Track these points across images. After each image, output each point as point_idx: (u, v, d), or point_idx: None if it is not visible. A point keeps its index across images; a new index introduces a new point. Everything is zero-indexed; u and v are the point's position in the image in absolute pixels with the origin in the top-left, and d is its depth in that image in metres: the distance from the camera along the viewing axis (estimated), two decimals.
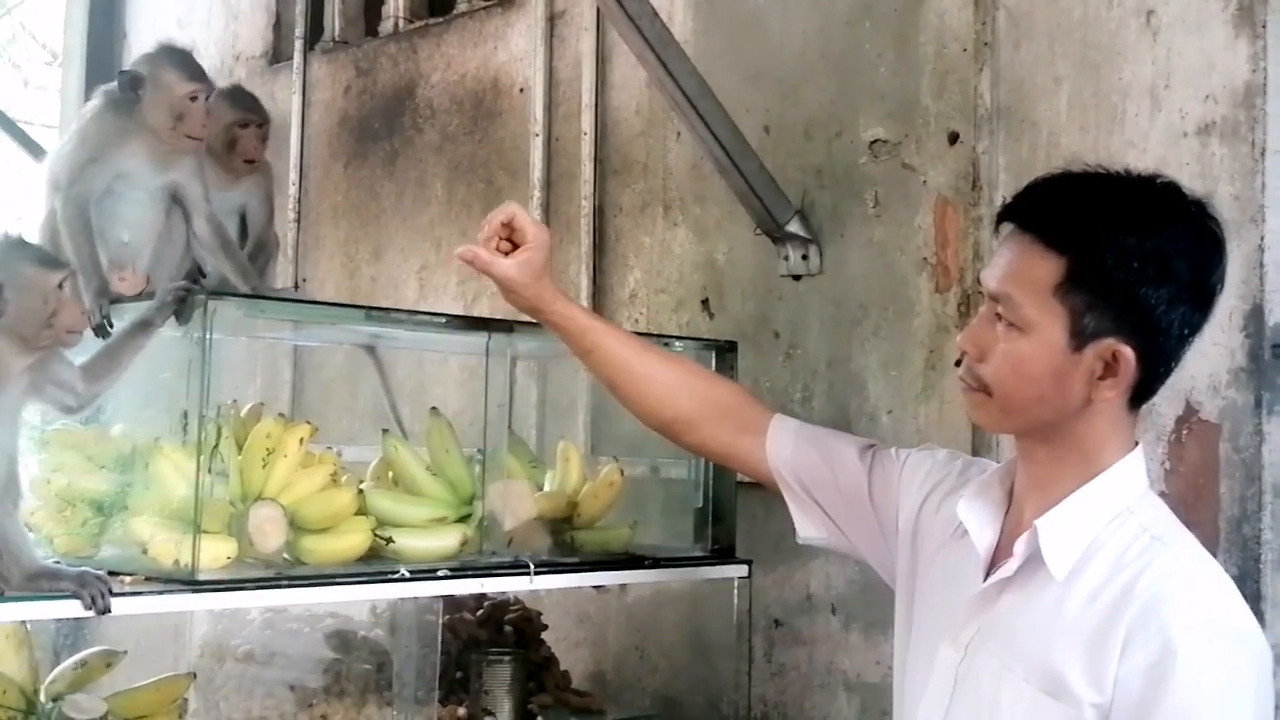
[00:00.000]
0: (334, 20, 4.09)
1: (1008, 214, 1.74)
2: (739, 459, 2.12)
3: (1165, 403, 2.29)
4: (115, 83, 2.17)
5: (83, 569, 1.80)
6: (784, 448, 2.06)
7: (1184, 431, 2.29)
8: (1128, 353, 1.62)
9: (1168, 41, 2.36)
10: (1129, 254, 1.61)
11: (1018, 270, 1.67)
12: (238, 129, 2.45)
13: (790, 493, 2.07)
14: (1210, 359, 2.26)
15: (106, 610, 1.77)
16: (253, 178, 2.51)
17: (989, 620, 1.70)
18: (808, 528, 2.08)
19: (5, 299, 1.80)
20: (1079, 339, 1.63)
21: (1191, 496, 2.27)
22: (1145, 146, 2.38)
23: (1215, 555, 2.16)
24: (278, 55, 4.30)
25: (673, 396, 2.10)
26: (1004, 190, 2.51)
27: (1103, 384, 1.64)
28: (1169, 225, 1.64)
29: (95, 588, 1.77)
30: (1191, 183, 2.26)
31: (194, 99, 2.15)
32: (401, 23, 3.92)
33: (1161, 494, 2.26)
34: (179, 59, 2.16)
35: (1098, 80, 2.45)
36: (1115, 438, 1.69)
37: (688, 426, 2.12)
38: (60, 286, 1.85)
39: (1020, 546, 1.68)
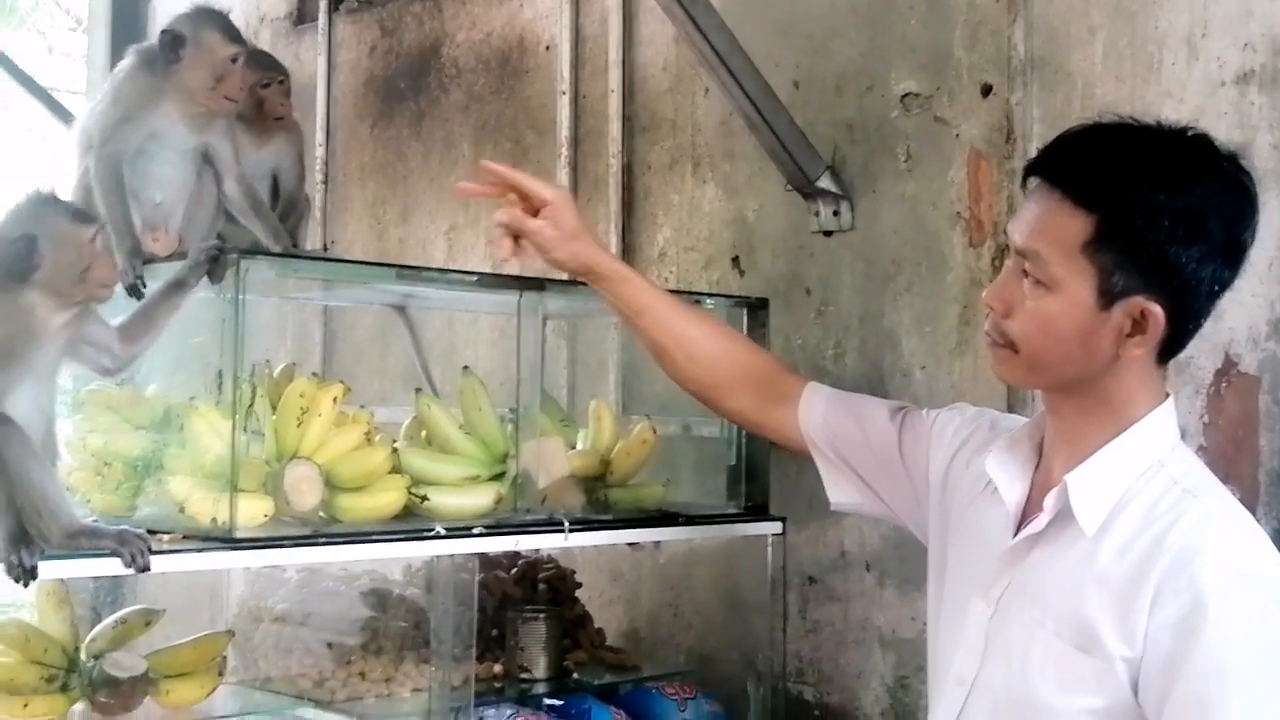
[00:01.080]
0: None
1: (1035, 168, 1.72)
2: (772, 427, 2.14)
3: (1204, 356, 2.27)
4: (151, 43, 2.17)
5: (122, 527, 1.81)
6: (815, 413, 2.07)
7: (1223, 384, 2.27)
8: (1157, 311, 1.61)
9: None
10: (1160, 212, 1.59)
11: (1046, 227, 1.65)
12: (260, 89, 2.45)
13: (822, 458, 2.08)
14: (1249, 311, 2.23)
15: (146, 568, 1.78)
16: (284, 138, 2.51)
17: (1019, 575, 1.70)
18: (839, 493, 2.09)
19: (40, 253, 1.80)
20: (1107, 297, 1.62)
21: (1231, 450, 2.25)
22: (1182, 96, 2.34)
23: (1255, 509, 2.16)
24: (302, 16, 4.27)
25: (715, 363, 2.12)
26: (1038, 142, 2.48)
27: (1130, 341, 1.63)
28: (1200, 182, 1.62)
29: (135, 545, 1.78)
30: (1229, 133, 2.25)
31: (234, 60, 2.15)
32: None
33: (1200, 448, 2.25)
34: (220, 21, 2.17)
35: (1133, 29, 2.41)
36: (1144, 391, 1.68)
37: (725, 393, 2.14)
38: (92, 241, 1.86)
39: (1050, 501, 1.68)
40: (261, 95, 2.46)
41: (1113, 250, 1.61)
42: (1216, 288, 1.64)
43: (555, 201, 2.03)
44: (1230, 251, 1.63)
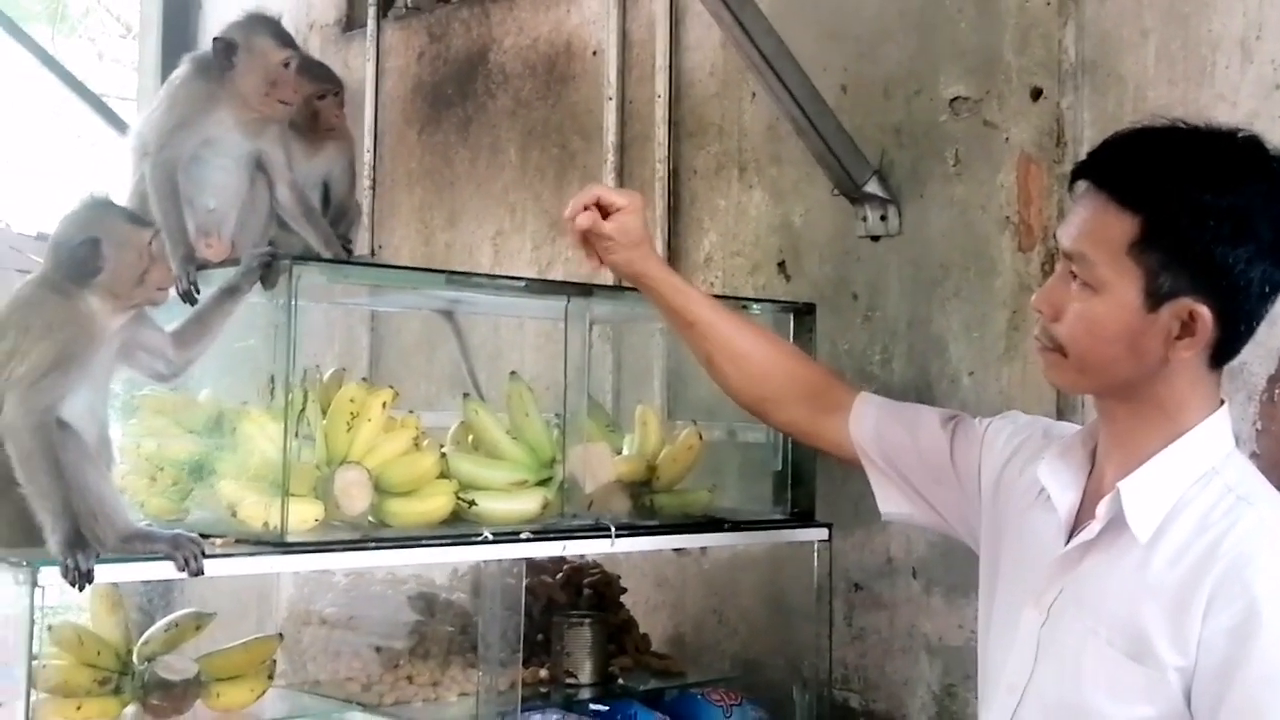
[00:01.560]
0: None
1: (1082, 171, 1.71)
2: (823, 437, 2.14)
3: (1256, 361, 2.25)
4: (205, 50, 2.20)
5: (176, 531, 1.83)
6: (867, 422, 2.07)
7: (1276, 391, 2.25)
8: (1205, 313, 1.59)
9: None
10: (1205, 212, 1.57)
11: (1092, 229, 1.65)
12: (315, 100, 2.47)
13: (873, 467, 2.07)
14: None
15: (200, 572, 1.80)
16: (335, 147, 2.53)
17: (1072, 583, 1.69)
18: (890, 503, 2.09)
19: (103, 255, 1.82)
20: (1154, 299, 1.61)
21: None
22: (1235, 100, 2.32)
23: None
24: (351, 23, 4.31)
25: (766, 375, 2.12)
26: (1089, 146, 2.42)
27: (1179, 344, 1.61)
28: (1248, 182, 1.60)
29: (189, 549, 1.80)
30: None
31: (286, 65, 2.17)
32: None
33: (1253, 455, 2.23)
34: (272, 27, 2.19)
35: (1186, 32, 2.39)
36: (1196, 396, 1.66)
37: (776, 405, 2.15)
38: (150, 244, 1.88)
39: (1103, 509, 1.66)
40: (317, 107, 2.49)
41: (1159, 251, 1.60)
42: (1267, 289, 1.62)
43: (628, 207, 2.06)
44: (1279, 251, 1.61)
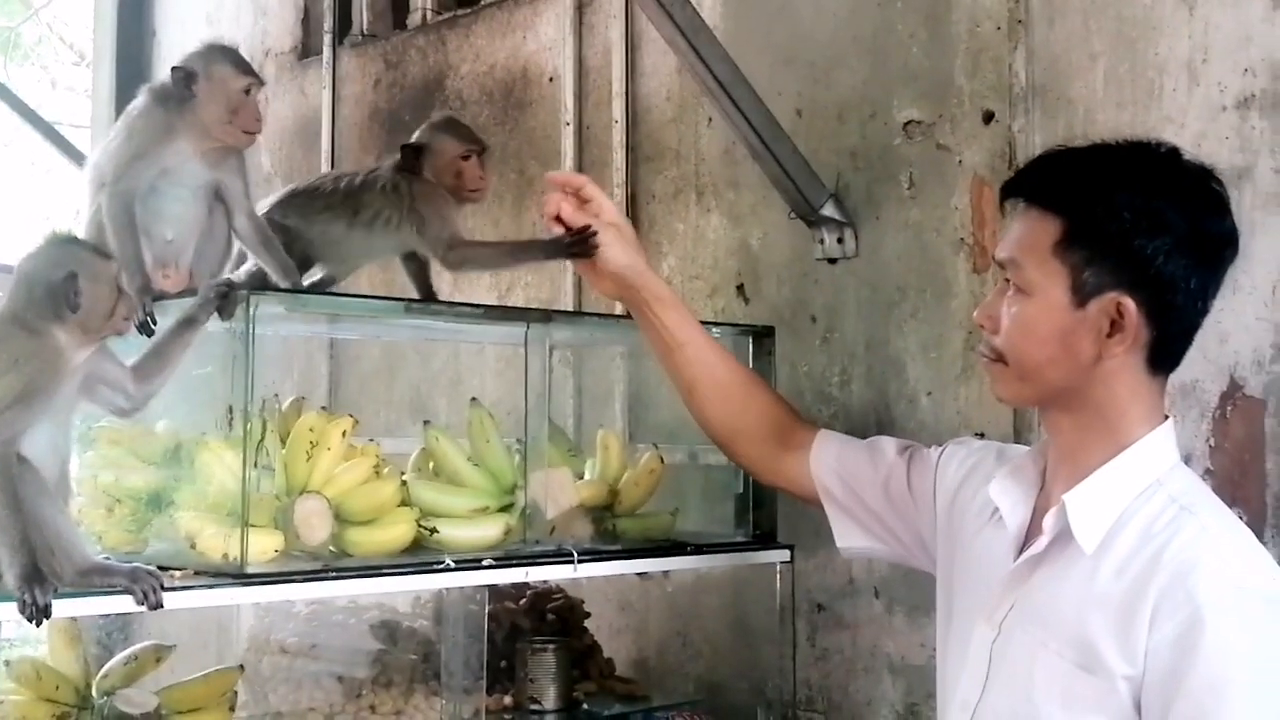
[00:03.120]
0: (362, 14, 4.10)
1: (1009, 189, 1.79)
2: (783, 474, 2.18)
3: (1209, 379, 2.28)
4: (163, 80, 2.19)
5: (134, 565, 1.82)
6: (828, 456, 2.11)
7: (1228, 408, 2.28)
8: (1130, 305, 1.64)
9: (1205, 15, 2.34)
10: (1121, 206, 1.64)
11: (1019, 236, 1.72)
12: (460, 160, 2.39)
13: (833, 504, 2.10)
14: (1254, 334, 2.24)
15: (159, 605, 1.79)
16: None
17: (1022, 597, 1.71)
18: (848, 538, 2.12)
19: (79, 290, 1.82)
20: (1080, 295, 1.66)
21: (1237, 473, 2.25)
22: (1183, 121, 2.36)
23: (1262, 533, 2.16)
24: (306, 50, 4.31)
25: (743, 408, 2.15)
26: None
27: (1111, 341, 1.66)
28: (1163, 181, 1.67)
29: (147, 583, 1.78)
30: (1231, 157, 2.26)
31: (247, 92, 2.17)
32: (429, 15, 3.92)
33: (1206, 471, 2.25)
34: (231, 55, 2.19)
35: (1134, 55, 2.43)
36: (1138, 406, 1.70)
37: (747, 440, 2.18)
38: (117, 275, 1.89)
39: (1049, 522, 1.70)
40: (461, 167, 2.38)
41: (1081, 248, 1.66)
42: (1193, 284, 1.66)
43: (615, 211, 2.12)
44: (1199, 245, 1.66)
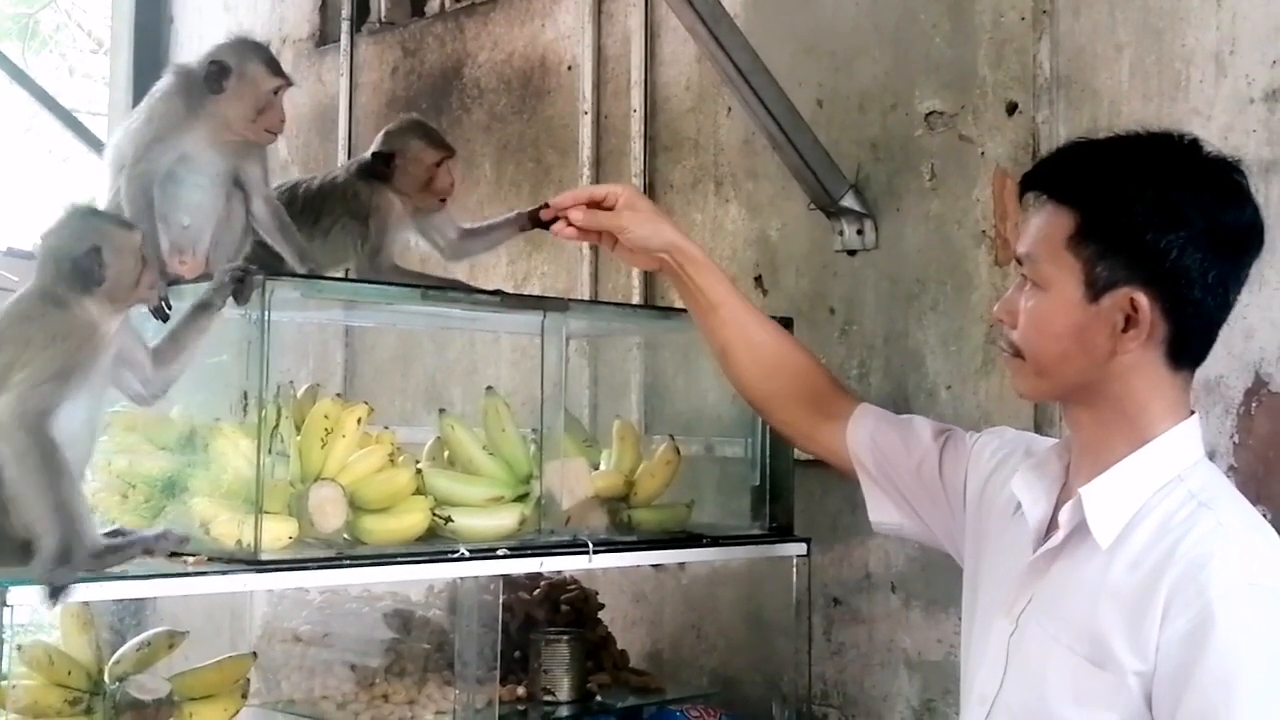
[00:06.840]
0: (380, 1, 4.08)
1: (1027, 182, 1.77)
2: (819, 442, 2.15)
3: (1233, 375, 2.26)
4: (189, 63, 2.19)
5: (141, 533, 1.83)
6: (864, 431, 2.08)
7: (1253, 404, 2.25)
8: (1144, 301, 1.62)
9: (1232, 6, 2.31)
10: (1133, 200, 1.62)
11: (1035, 230, 1.71)
12: (433, 166, 2.44)
13: (867, 477, 2.08)
14: None
15: (185, 540, 1.80)
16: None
17: (1039, 591, 1.70)
18: (881, 512, 2.09)
19: (105, 263, 1.82)
20: (1094, 290, 1.64)
21: (1262, 470, 2.23)
22: (1210, 114, 2.33)
23: None
24: (324, 38, 4.29)
25: (778, 369, 2.13)
26: None
27: (1125, 336, 1.64)
28: (1180, 173, 1.64)
29: (163, 542, 1.81)
30: (1259, 150, 2.24)
31: (276, 93, 2.18)
32: (448, 2, 3.91)
33: (1230, 468, 2.23)
34: (264, 54, 2.20)
35: (1160, 46, 2.40)
36: (1159, 401, 1.67)
37: (780, 403, 2.15)
38: (141, 245, 1.90)
39: (1065, 515, 1.68)
40: (433, 173, 2.44)
41: (1094, 241, 1.64)
42: (1211, 279, 1.63)
43: (625, 193, 2.10)
44: (1216, 238, 1.63)
